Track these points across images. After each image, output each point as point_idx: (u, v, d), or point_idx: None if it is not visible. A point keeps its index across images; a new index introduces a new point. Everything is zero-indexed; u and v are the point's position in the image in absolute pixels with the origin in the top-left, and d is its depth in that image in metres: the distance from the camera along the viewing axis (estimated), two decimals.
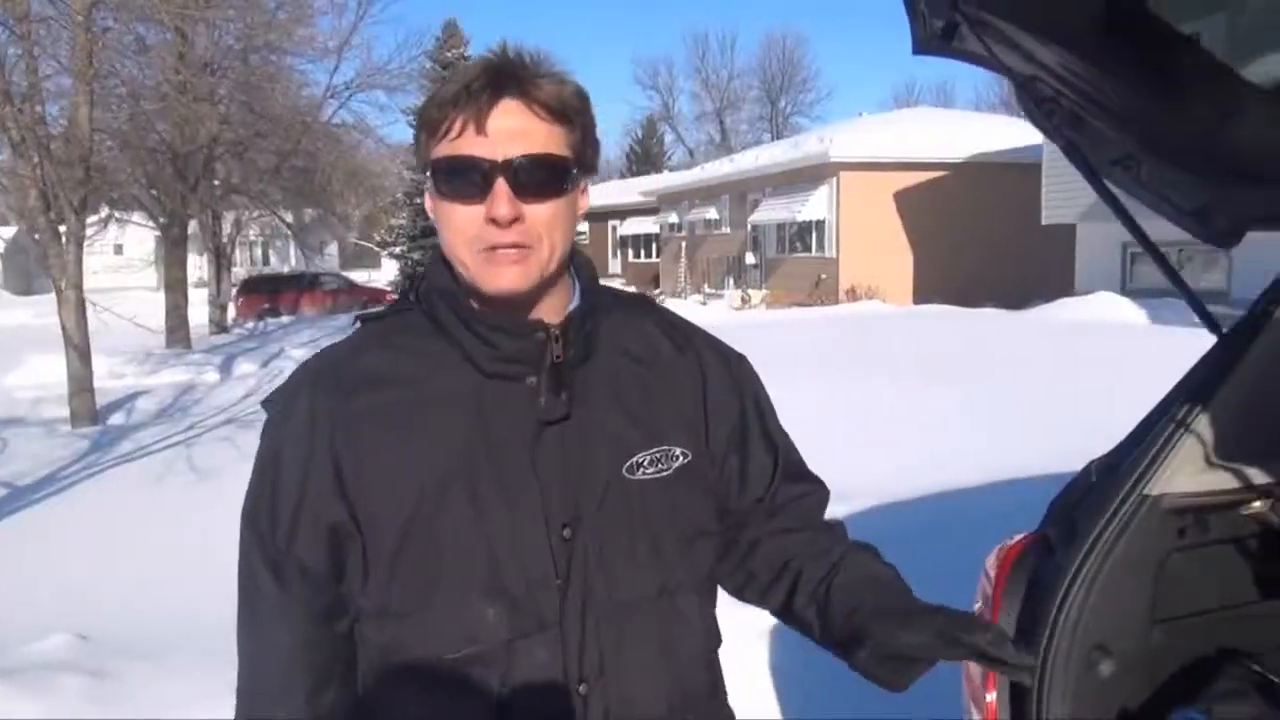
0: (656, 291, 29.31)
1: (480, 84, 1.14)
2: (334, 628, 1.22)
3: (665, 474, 1.24)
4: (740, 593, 1.36)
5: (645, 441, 1.24)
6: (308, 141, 18.94)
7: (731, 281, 28.36)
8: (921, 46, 1.83)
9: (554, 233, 1.17)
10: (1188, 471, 1.78)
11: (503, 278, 1.16)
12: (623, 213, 38.80)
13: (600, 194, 40.98)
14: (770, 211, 26.52)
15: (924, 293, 22.49)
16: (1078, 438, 1.95)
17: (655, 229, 35.98)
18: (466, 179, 1.14)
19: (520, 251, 1.15)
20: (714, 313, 21.07)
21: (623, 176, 52.55)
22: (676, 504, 1.25)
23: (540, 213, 1.16)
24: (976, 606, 1.92)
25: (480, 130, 1.14)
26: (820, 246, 24.86)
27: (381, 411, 1.18)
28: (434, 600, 1.17)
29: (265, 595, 1.21)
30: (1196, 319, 1.97)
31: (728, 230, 29.82)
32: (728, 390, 1.33)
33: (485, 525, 1.16)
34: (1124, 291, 16.45)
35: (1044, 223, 19.05)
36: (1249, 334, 1.79)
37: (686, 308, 22.10)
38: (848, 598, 1.23)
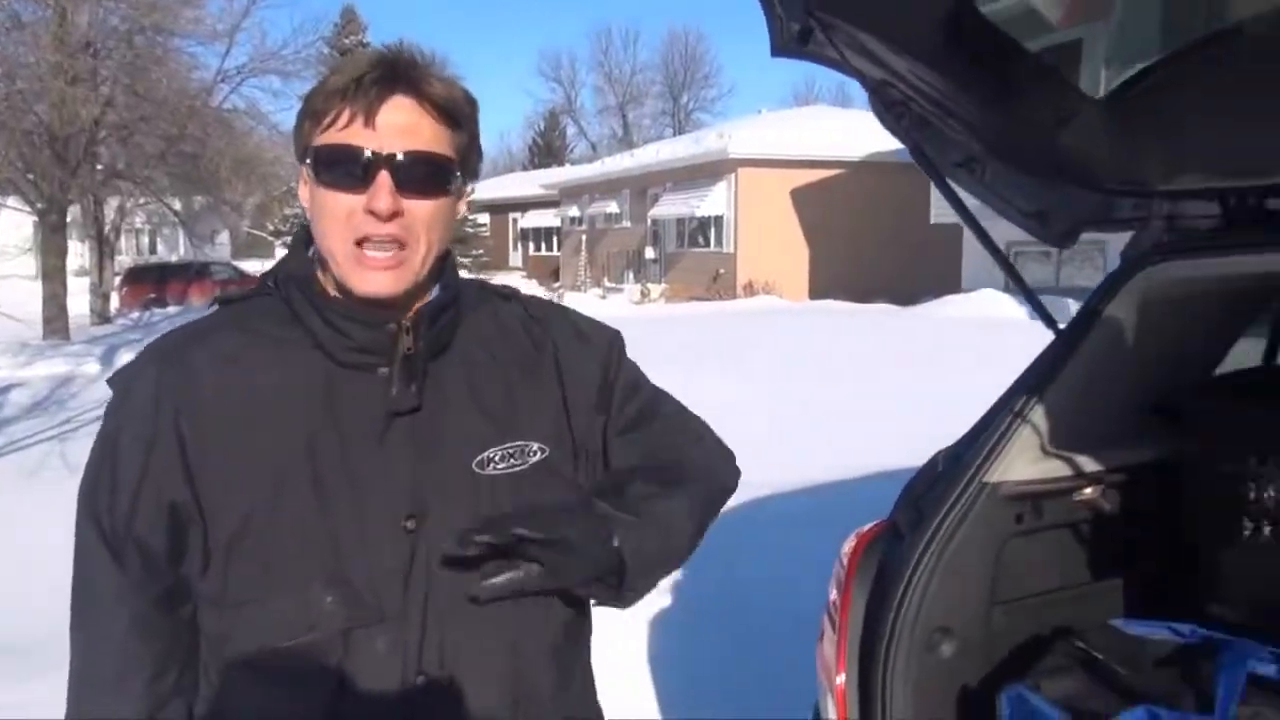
0: (556, 285, 29.25)
1: (372, 77, 1.13)
2: (175, 614, 1.19)
3: (519, 469, 1.23)
4: None
5: (499, 436, 1.23)
6: (196, 126, 18.33)
7: (631, 276, 28.46)
8: (779, 49, 1.89)
9: (431, 232, 1.17)
10: (1024, 460, 1.87)
11: (372, 282, 1.15)
12: (524, 205, 38.60)
13: (501, 186, 40.71)
14: (670, 206, 26.69)
15: (819, 289, 22.94)
16: (956, 428, 2.03)
17: (556, 222, 35.89)
18: (348, 169, 1.13)
19: (395, 255, 1.14)
20: (614, 307, 21.15)
21: (524, 169, 52.24)
22: (530, 499, 1.23)
23: (421, 210, 1.15)
24: (831, 593, 1.98)
25: (368, 123, 1.13)
26: (719, 242, 25.14)
27: (229, 394, 1.17)
28: (272, 588, 1.15)
29: (101, 578, 1.18)
30: (1074, 316, 2.05)
31: (628, 224, 29.92)
32: (588, 375, 1.31)
33: (329, 514, 1.15)
34: (1006, 289, 17.01)
35: (933, 222, 19.60)
36: (1082, 331, 1.89)
37: (586, 301, 22.11)
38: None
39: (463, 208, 1.25)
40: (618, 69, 58.97)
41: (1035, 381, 1.90)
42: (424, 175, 1.15)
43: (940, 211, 19.18)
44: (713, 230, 25.51)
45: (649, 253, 28.33)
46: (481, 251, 32.41)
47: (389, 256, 1.14)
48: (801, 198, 23.95)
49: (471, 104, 1.21)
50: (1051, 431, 1.88)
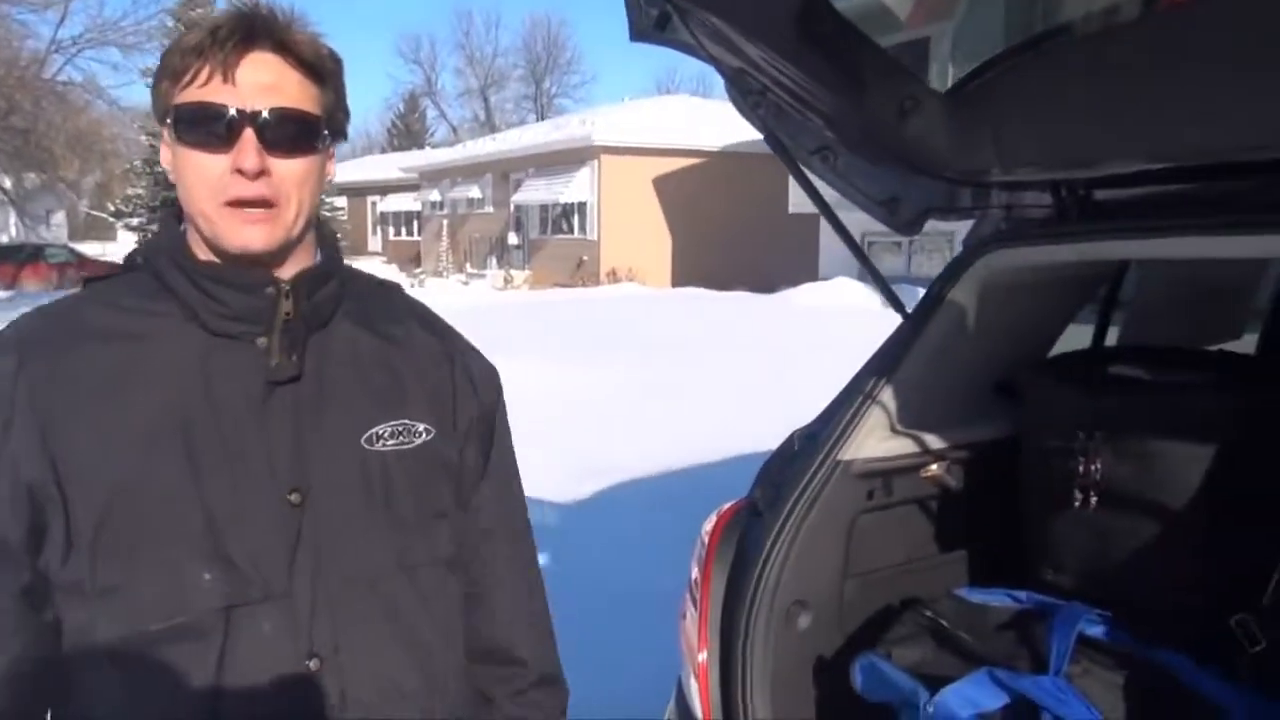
0: (418, 270, 28.72)
1: (229, 31, 1.09)
2: (31, 614, 1.09)
3: (406, 447, 1.20)
4: None
5: (386, 413, 1.20)
6: (26, 98, 17.26)
7: (494, 261, 28.20)
8: (637, 34, 1.90)
9: (302, 191, 1.14)
10: (875, 439, 1.95)
11: (245, 235, 1.11)
12: (383, 189, 37.74)
13: (360, 169, 39.66)
14: (533, 192, 26.54)
15: (682, 276, 23.21)
16: (810, 409, 2.09)
17: (417, 206, 35.21)
18: (210, 128, 1.09)
19: (266, 211, 1.11)
20: (476, 293, 20.93)
21: (383, 151, 51.07)
22: (417, 479, 1.21)
23: (289, 169, 1.12)
24: (692, 571, 2.02)
25: (228, 79, 1.09)
26: (583, 229, 25.14)
27: (95, 370, 1.10)
28: (142, 568, 1.07)
29: None
30: (919, 301, 2.14)
31: (491, 210, 29.60)
32: (472, 392, 1.30)
33: (202, 489, 1.09)
34: (860, 278, 17.57)
35: (791, 212, 20.06)
36: (926, 315, 1.97)
37: (448, 287, 21.82)
38: None
39: (331, 169, 1.21)
40: (479, 52, 58.28)
41: (884, 364, 1.98)
42: (291, 133, 1.12)
43: (798, 201, 19.62)
44: (576, 217, 25.48)
45: (512, 239, 28.11)
46: (339, 235, 31.53)
47: (260, 211, 1.11)
48: (664, 186, 24.16)
49: (336, 61, 1.17)
50: (899, 411, 1.96)
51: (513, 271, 26.00)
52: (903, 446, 1.97)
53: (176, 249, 1.16)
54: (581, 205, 25.04)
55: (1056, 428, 1.77)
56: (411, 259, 32.98)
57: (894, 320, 2.11)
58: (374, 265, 27.38)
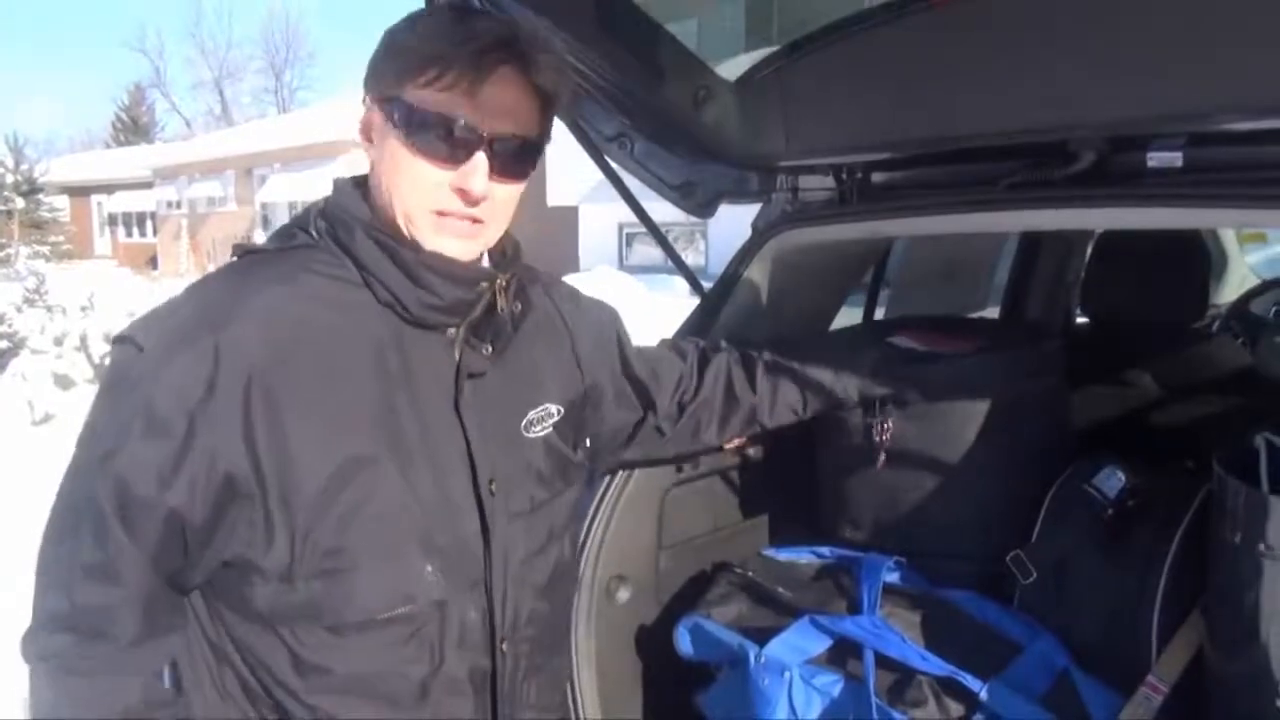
0: (155, 273, 26.85)
1: (490, 44, 1.06)
2: (175, 592, 1.10)
3: (547, 431, 1.26)
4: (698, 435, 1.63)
5: (533, 399, 1.25)
6: None
7: None
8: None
9: (508, 209, 1.15)
10: None
11: (445, 244, 1.11)
12: (110, 187, 34.94)
13: (81, 166, 36.59)
14: (281, 188, 25.37)
15: None
16: None
17: (151, 205, 32.86)
18: (445, 140, 1.06)
19: (473, 226, 1.11)
20: None
21: (108, 147, 47.28)
22: (552, 460, 1.26)
23: (505, 192, 1.12)
24: None
25: (473, 93, 1.06)
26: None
27: (297, 358, 1.06)
28: (363, 558, 1.07)
29: (109, 546, 1.04)
30: (682, 289, 2.24)
31: (234, 208, 28.07)
32: (594, 338, 1.40)
33: (410, 479, 1.09)
34: (621, 267, 17.94)
35: (549, 204, 20.20)
36: (722, 295, 2.08)
37: None
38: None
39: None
40: (211, 41, 55.07)
41: None
42: (517, 159, 1.11)
43: (556, 195, 19.79)
44: None
45: (259, 237, 26.71)
46: (61, 239, 28.93)
47: (467, 227, 1.11)
48: None
49: (569, 87, 1.17)
50: None
51: None
52: None
53: (383, 233, 1.11)
54: None
55: None
56: (147, 262, 30.77)
57: (659, 305, 2.20)
58: (105, 269, 25.38)
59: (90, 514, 1.04)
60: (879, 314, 2.64)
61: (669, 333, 2.14)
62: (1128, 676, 1.50)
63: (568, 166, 17.84)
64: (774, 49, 1.93)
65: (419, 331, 1.13)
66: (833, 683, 1.52)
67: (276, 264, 1.13)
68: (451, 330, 1.15)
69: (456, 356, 1.15)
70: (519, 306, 1.24)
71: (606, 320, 1.48)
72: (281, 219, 26.45)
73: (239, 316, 1.06)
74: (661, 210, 2.19)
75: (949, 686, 1.49)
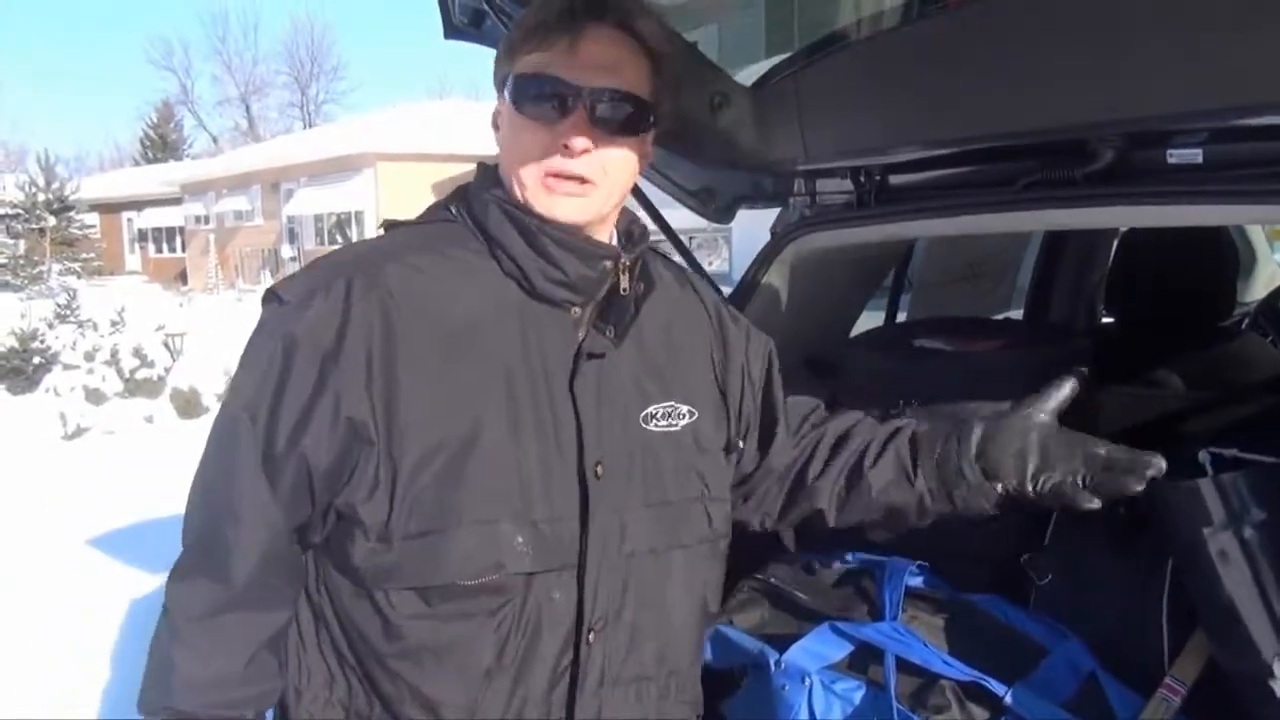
0: (185, 288, 27.15)
1: (580, 3, 1.10)
2: (299, 548, 1.15)
3: (674, 429, 1.23)
4: (802, 512, 1.41)
5: (661, 393, 1.22)
6: None
7: (268, 276, 27.02)
8: (451, 32, 1.91)
9: (621, 171, 1.15)
10: None
11: (559, 207, 1.12)
12: (139, 203, 35.38)
13: (112, 183, 37.09)
14: (307, 202, 25.61)
15: None
16: None
17: (180, 221, 33.24)
18: (546, 101, 1.10)
19: (581, 185, 1.12)
20: (252, 309, 19.93)
21: (136, 164, 47.88)
22: (681, 462, 1.23)
23: (612, 150, 1.13)
24: None
25: (572, 51, 1.09)
26: (361, 238, 24.46)
27: (424, 315, 1.09)
28: (460, 520, 1.08)
29: (249, 492, 1.09)
30: (735, 285, 2.23)
31: (261, 222, 28.36)
32: (743, 354, 1.35)
33: (519, 451, 1.10)
34: None
35: None
36: (743, 298, 2.07)
37: (221, 305, 20.71)
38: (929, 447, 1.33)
39: (649, 150, 1.22)
40: (238, 58, 55.58)
41: None
42: (620, 115, 1.12)
43: None
44: (354, 226, 24.77)
45: (286, 251, 27.02)
46: (92, 255, 29.31)
47: (576, 185, 1.12)
48: (444, 191, 23.65)
49: (674, 42, 1.20)
50: None
51: None
52: None
53: (514, 205, 1.14)
54: (359, 214, 24.38)
55: (874, 399, 1.90)
56: (177, 277, 31.12)
57: None
58: (135, 285, 25.67)
59: (231, 463, 1.09)
60: (901, 317, 2.63)
61: None
62: (1146, 678, 1.48)
63: None
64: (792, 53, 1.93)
65: (544, 308, 1.15)
66: (854, 689, 1.51)
67: (415, 234, 1.19)
68: (576, 310, 1.16)
69: (580, 336, 1.16)
70: (641, 288, 1.22)
71: (763, 348, 1.42)
72: (308, 232, 26.72)
73: (371, 274, 1.10)
74: (683, 217, 2.19)
75: (973, 691, 1.48)
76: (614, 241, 1.23)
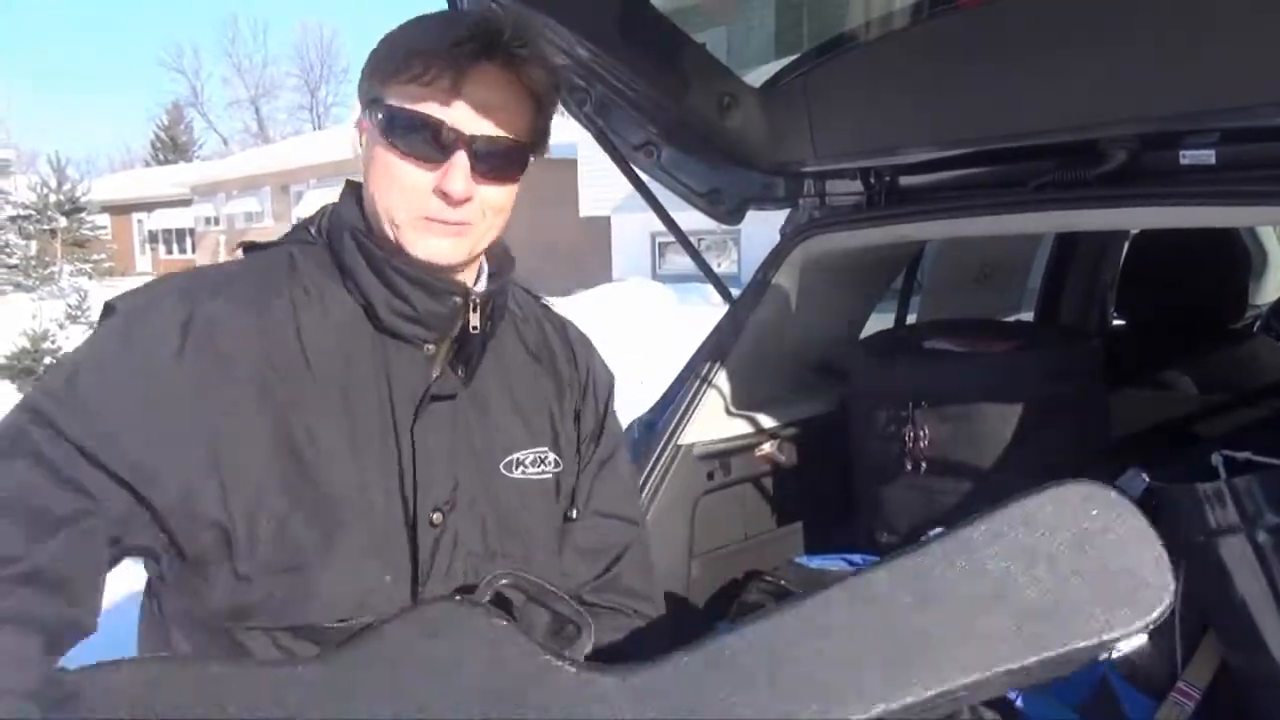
0: None
1: (468, 39, 1.02)
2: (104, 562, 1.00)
3: (544, 477, 1.19)
4: None
5: (528, 439, 1.18)
6: None
7: None
8: None
9: (498, 215, 1.11)
10: (711, 422, 2.02)
11: (434, 248, 1.07)
12: (150, 205, 35.48)
13: (122, 185, 37.21)
14: (316, 204, 25.58)
15: None
16: (638, 396, 2.14)
17: (190, 222, 33.33)
18: (424, 141, 1.04)
19: (460, 227, 1.07)
20: None
21: (147, 165, 48.03)
22: (549, 511, 1.20)
23: (492, 194, 1.08)
24: None
25: (455, 91, 1.03)
26: None
27: (265, 342, 1.04)
28: (323, 561, 1.02)
29: (34, 496, 0.95)
30: (714, 298, 2.24)
31: (271, 223, 28.40)
32: (595, 408, 1.29)
33: (366, 491, 1.05)
34: (654, 277, 17.93)
35: (582, 215, 20.25)
36: (751, 301, 2.07)
37: None
38: None
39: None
40: (248, 60, 55.82)
41: (715, 349, 2.06)
42: (502, 160, 1.07)
43: (589, 205, 19.85)
44: None
45: None
46: (103, 256, 29.39)
47: (453, 228, 1.07)
48: None
49: (558, 87, 1.12)
50: (733, 394, 2.05)
51: None
52: (737, 428, 2.06)
53: (364, 233, 1.09)
54: None
55: (883, 402, 1.90)
56: None
57: (690, 313, 2.20)
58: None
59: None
60: (911, 318, 2.62)
61: (698, 341, 2.14)
62: (1159, 682, 1.47)
63: (600, 177, 17.92)
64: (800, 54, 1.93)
65: (395, 342, 1.09)
66: None
67: (269, 256, 1.13)
68: (430, 347, 1.11)
69: (434, 374, 1.11)
70: (490, 326, 1.16)
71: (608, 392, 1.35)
72: None
73: (208, 297, 1.05)
74: (693, 219, 2.18)
75: None
76: (484, 276, 1.19)
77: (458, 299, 1.10)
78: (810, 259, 2.05)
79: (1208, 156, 1.46)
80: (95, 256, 28.19)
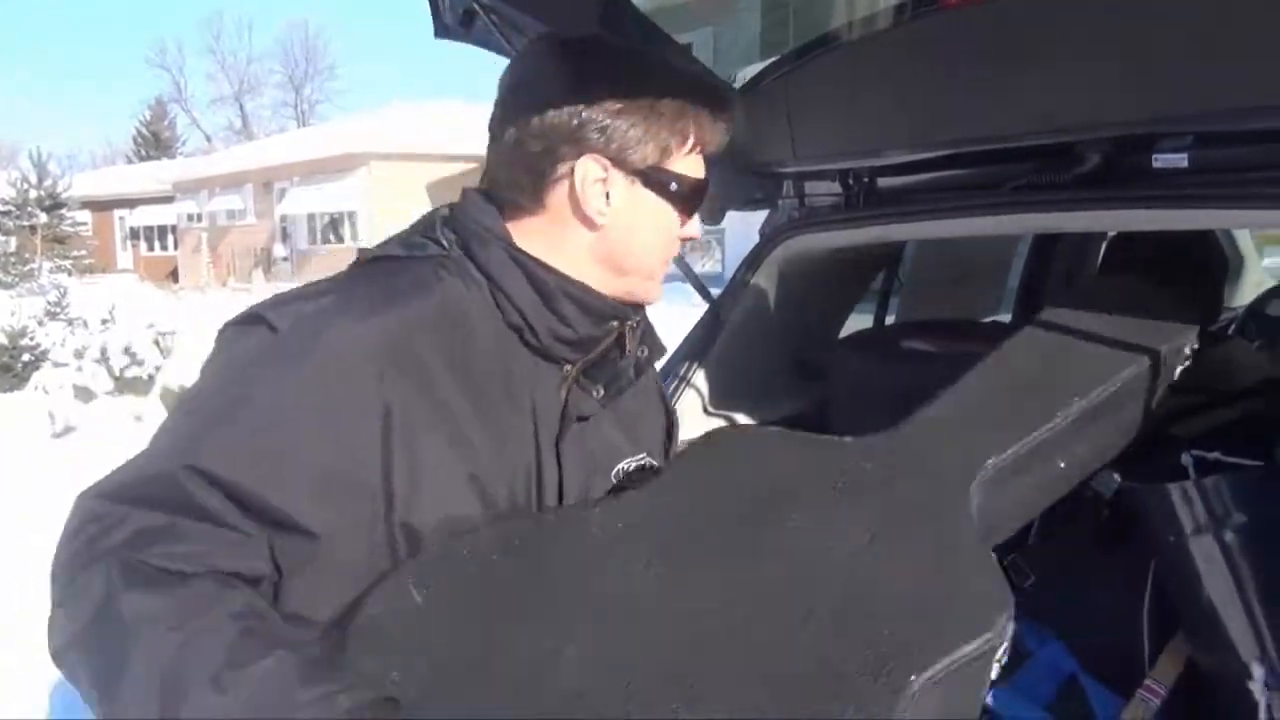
0: (177, 287, 27.09)
1: (728, 113, 1.14)
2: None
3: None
4: None
5: (634, 447, 1.21)
6: None
7: (261, 275, 26.97)
8: (443, 31, 1.90)
9: None
10: (691, 421, 2.03)
11: (657, 292, 1.16)
12: (132, 201, 35.25)
13: (104, 181, 36.96)
14: (300, 201, 25.57)
15: None
16: None
17: (172, 219, 33.13)
18: (699, 200, 1.14)
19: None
20: (245, 308, 19.78)
21: (129, 162, 47.73)
22: None
23: None
24: None
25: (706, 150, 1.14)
26: (354, 237, 24.43)
27: (432, 369, 1.01)
28: None
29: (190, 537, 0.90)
30: (694, 299, 2.24)
31: (254, 221, 28.29)
32: (667, 409, 1.36)
33: (514, 504, 1.06)
34: None
35: None
36: (730, 302, 2.08)
37: (214, 303, 20.66)
38: None
39: None
40: (232, 56, 55.52)
41: (695, 349, 2.07)
42: None
43: None
44: (347, 226, 24.75)
45: (279, 250, 26.98)
46: (84, 253, 29.19)
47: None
48: (438, 192, 23.78)
49: None
50: (712, 393, 2.06)
51: (281, 284, 24.92)
52: (717, 427, 2.06)
53: (514, 248, 1.09)
54: (352, 214, 24.34)
55: (866, 402, 1.90)
56: (168, 275, 31.03)
57: (672, 314, 2.20)
58: (127, 283, 25.61)
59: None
60: (890, 319, 2.63)
61: (678, 340, 2.15)
62: (1128, 679, 1.49)
63: None
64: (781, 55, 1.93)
65: (536, 360, 1.09)
66: None
67: (411, 271, 1.08)
68: (568, 366, 1.11)
69: (563, 395, 1.11)
70: (644, 352, 1.20)
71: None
72: (301, 232, 26.66)
73: (380, 315, 1.01)
74: None
75: None
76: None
77: (615, 323, 1.14)
78: (789, 260, 2.06)
79: (1180, 160, 1.48)
80: (75, 253, 28.01)
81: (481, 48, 1.95)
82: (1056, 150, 1.59)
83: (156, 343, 10.96)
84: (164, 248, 34.61)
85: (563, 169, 1.08)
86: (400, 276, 1.07)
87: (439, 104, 34.20)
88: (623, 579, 1.01)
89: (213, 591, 0.87)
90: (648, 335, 1.21)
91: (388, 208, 23.46)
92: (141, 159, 47.31)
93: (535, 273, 1.08)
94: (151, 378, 9.78)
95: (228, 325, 1.04)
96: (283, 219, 26.90)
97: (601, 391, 1.14)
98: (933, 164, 1.87)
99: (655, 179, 1.09)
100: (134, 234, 36.28)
